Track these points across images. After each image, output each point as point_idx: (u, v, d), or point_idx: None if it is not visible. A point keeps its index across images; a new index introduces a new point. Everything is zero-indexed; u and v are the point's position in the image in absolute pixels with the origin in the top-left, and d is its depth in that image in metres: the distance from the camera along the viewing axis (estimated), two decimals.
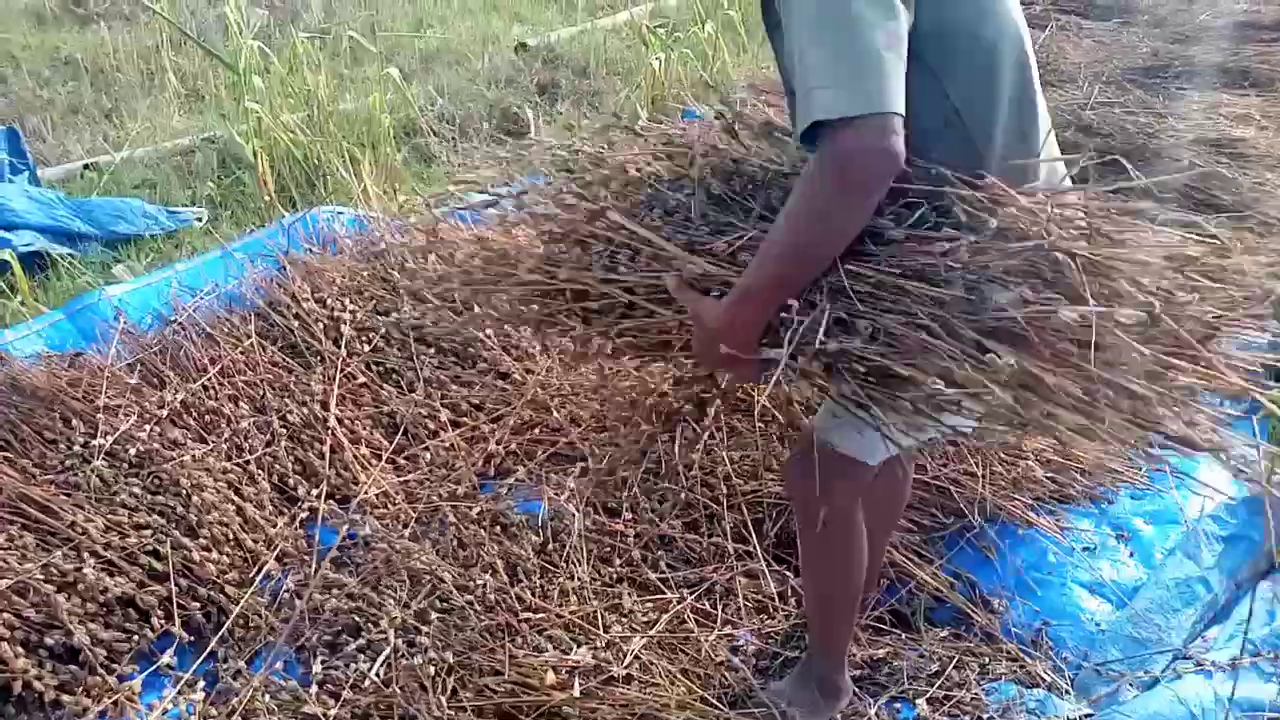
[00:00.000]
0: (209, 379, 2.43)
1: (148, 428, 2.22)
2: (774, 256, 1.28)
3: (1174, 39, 5.27)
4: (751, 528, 2.22)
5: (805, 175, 1.25)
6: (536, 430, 2.53)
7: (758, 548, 2.17)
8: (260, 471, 2.27)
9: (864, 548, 1.75)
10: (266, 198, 3.76)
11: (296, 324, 2.65)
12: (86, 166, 4.22)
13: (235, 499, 2.17)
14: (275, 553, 2.11)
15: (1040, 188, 1.38)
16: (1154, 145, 3.99)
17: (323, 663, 1.87)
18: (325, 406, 2.44)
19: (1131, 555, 2.21)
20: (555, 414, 2.54)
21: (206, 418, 2.35)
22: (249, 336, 2.60)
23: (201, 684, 1.85)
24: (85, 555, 1.94)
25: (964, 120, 1.35)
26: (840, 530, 1.68)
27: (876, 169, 1.19)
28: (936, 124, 1.33)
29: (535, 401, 2.56)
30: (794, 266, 1.29)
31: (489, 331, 2.72)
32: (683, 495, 2.27)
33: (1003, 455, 2.40)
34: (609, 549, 2.16)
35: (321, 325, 2.64)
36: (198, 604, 1.97)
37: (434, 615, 1.96)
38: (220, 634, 1.94)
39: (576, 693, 1.78)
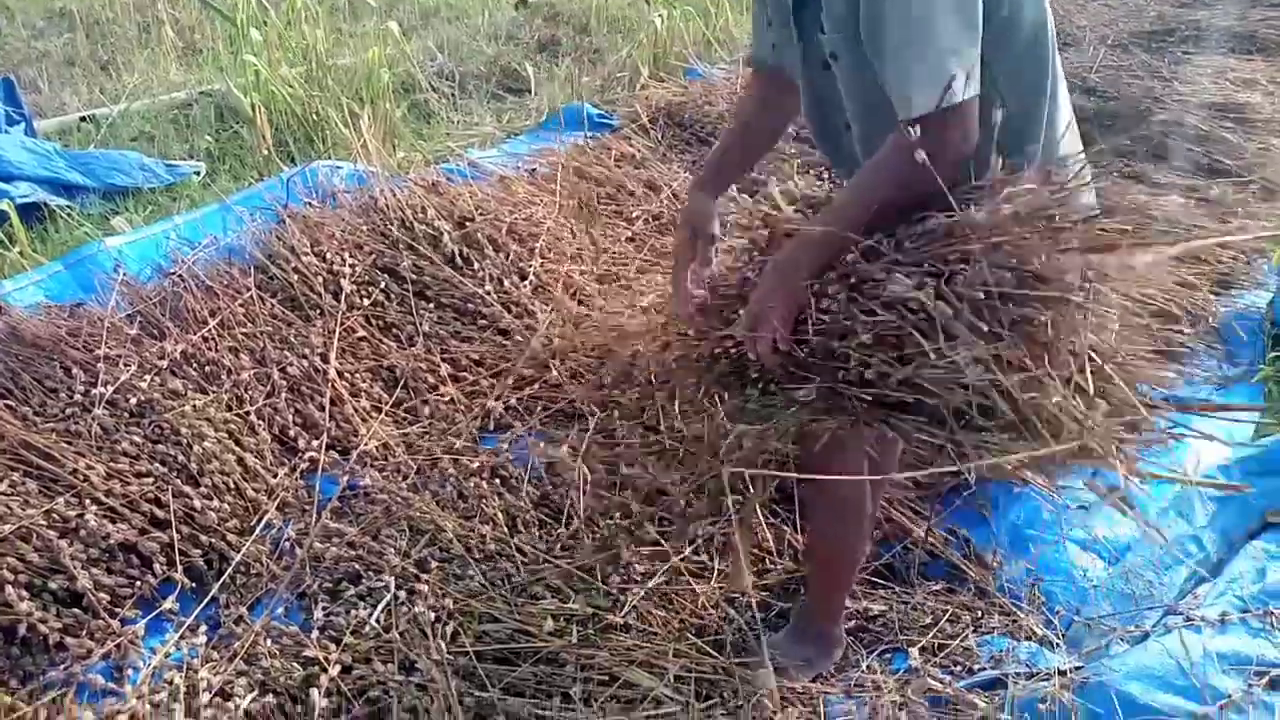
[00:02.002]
0: (209, 331, 2.43)
1: (148, 378, 2.23)
2: (851, 214, 1.43)
3: (1180, 3, 5.23)
4: (750, 482, 2.23)
5: (894, 148, 1.38)
6: (536, 386, 2.54)
7: (755, 502, 2.18)
8: (260, 422, 2.28)
9: (870, 509, 1.77)
10: (264, 152, 3.74)
11: (296, 277, 2.65)
12: (83, 119, 4.19)
13: (236, 449, 2.18)
14: (276, 502, 2.12)
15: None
16: (1158, 109, 3.97)
17: (324, 609, 1.89)
18: (325, 359, 2.44)
19: (1125, 513, 2.22)
20: (555, 371, 2.55)
21: (207, 369, 2.35)
22: (248, 289, 2.59)
23: (204, 629, 1.86)
24: (87, 502, 1.95)
25: (1007, 106, 1.41)
26: (852, 493, 1.71)
27: (957, 155, 1.37)
28: (985, 112, 1.40)
29: (535, 358, 2.57)
30: (865, 219, 1.42)
31: (489, 288, 2.72)
32: (681, 450, 2.28)
33: None
34: (606, 503, 2.17)
35: (321, 279, 2.64)
36: (199, 551, 1.98)
37: (434, 564, 1.98)
38: (222, 581, 1.96)
39: (574, 640, 1.80)
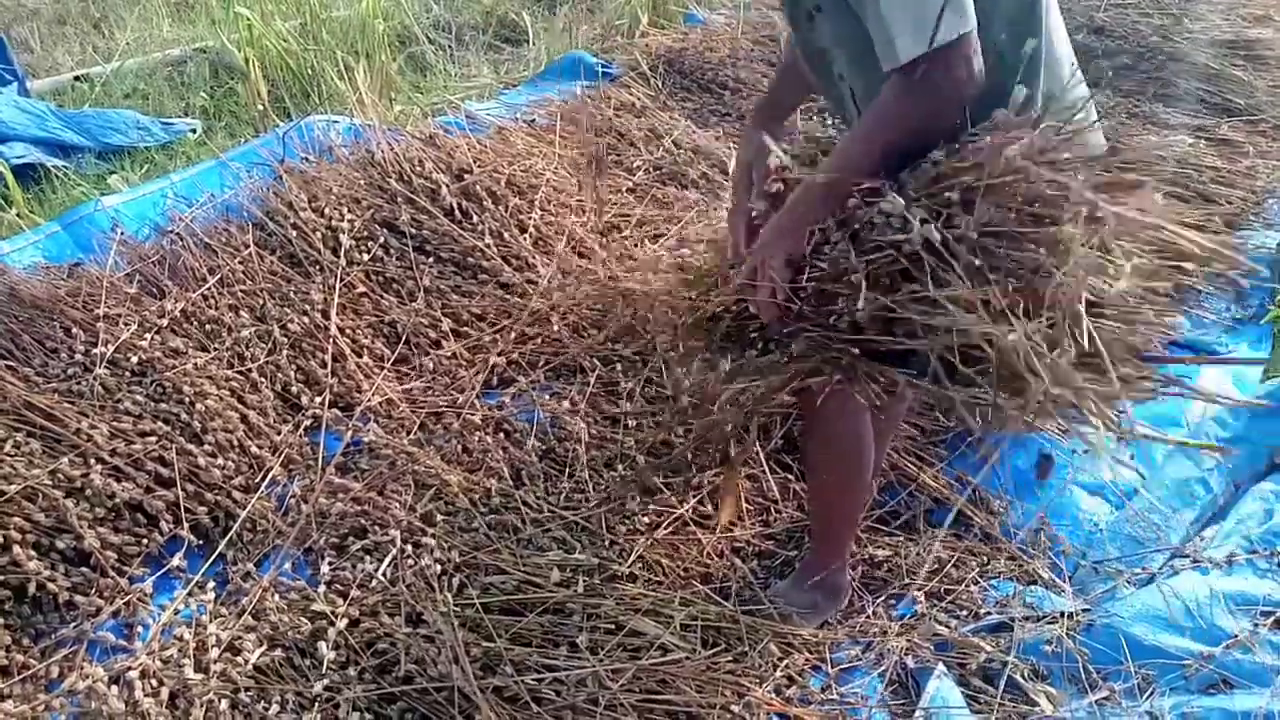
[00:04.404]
0: (208, 288, 2.41)
1: (148, 336, 2.22)
2: (855, 159, 1.40)
3: None
4: (755, 432, 2.22)
5: (895, 93, 1.35)
6: (539, 340, 2.52)
7: (760, 451, 2.18)
8: (263, 380, 2.27)
9: (871, 454, 1.76)
10: (260, 107, 3.69)
11: (294, 233, 2.62)
12: (77, 78, 4.13)
13: (239, 406, 2.17)
14: (280, 459, 2.12)
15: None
16: (1168, 48, 3.89)
17: (330, 564, 1.90)
18: (326, 316, 2.43)
19: (1132, 457, 2.22)
20: (556, 325, 2.53)
21: (207, 327, 2.34)
22: (247, 246, 2.57)
23: (211, 585, 1.88)
24: (92, 461, 1.96)
25: (1005, 60, 1.38)
26: (850, 438, 1.70)
27: (962, 93, 1.33)
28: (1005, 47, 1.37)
29: (537, 313, 2.55)
30: (869, 165, 1.40)
31: (489, 241, 2.70)
32: (684, 401, 2.27)
33: None
34: (612, 455, 2.17)
35: (319, 234, 2.61)
36: (205, 508, 1.99)
37: (439, 518, 1.99)
38: (228, 537, 1.96)
39: (580, 590, 1.80)
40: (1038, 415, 1.29)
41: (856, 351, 1.42)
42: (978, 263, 1.28)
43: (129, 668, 1.68)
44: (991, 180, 1.29)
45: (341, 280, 2.51)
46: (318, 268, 2.55)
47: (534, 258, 2.71)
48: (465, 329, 2.54)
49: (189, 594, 1.86)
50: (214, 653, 1.71)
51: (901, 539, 2.06)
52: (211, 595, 1.85)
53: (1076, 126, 1.36)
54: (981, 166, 1.31)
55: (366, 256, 2.61)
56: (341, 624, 1.75)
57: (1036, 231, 1.29)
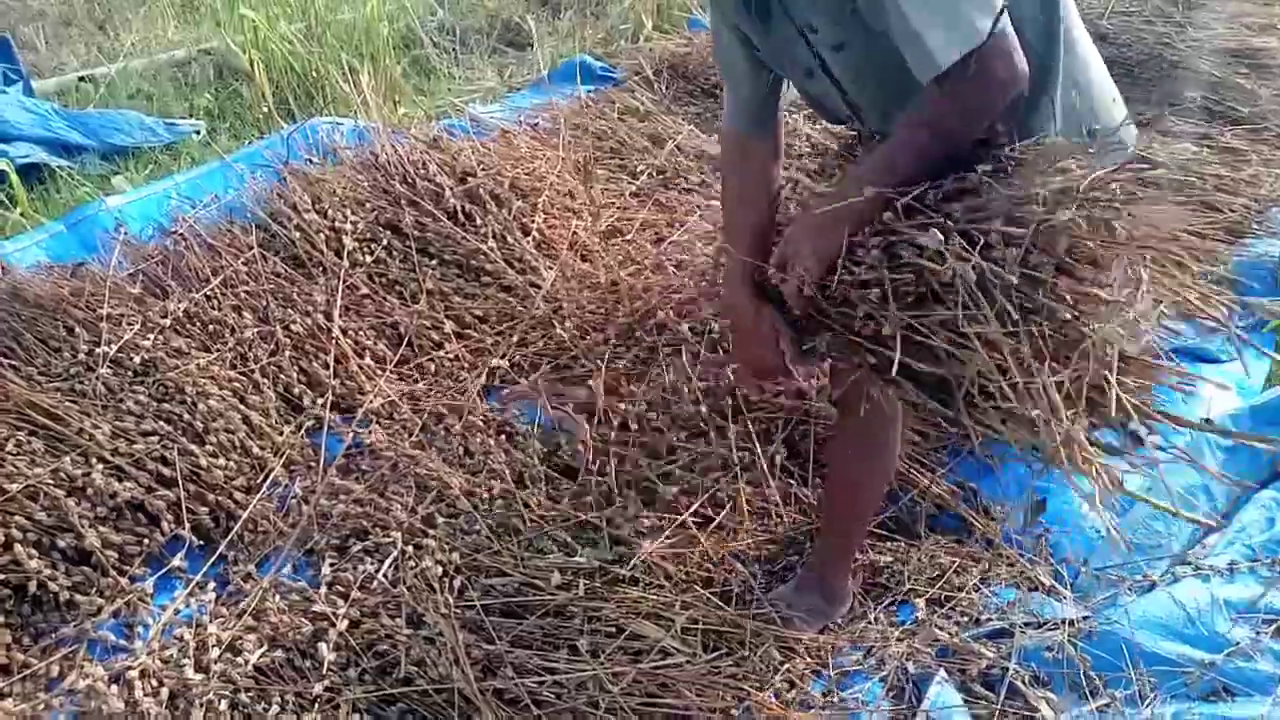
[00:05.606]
0: (211, 289, 2.42)
1: (151, 337, 2.22)
2: (900, 169, 1.36)
3: None
4: (756, 437, 2.22)
5: (936, 99, 1.32)
6: (541, 343, 2.52)
7: (760, 457, 2.18)
8: (265, 381, 2.27)
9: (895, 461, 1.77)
10: (264, 109, 3.71)
11: (298, 235, 2.63)
12: (81, 78, 4.14)
13: (241, 407, 2.17)
14: (282, 460, 2.12)
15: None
16: (1172, 55, 3.89)
17: (331, 565, 1.90)
18: (329, 317, 2.43)
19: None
20: (559, 328, 2.53)
21: (210, 327, 2.34)
22: (250, 247, 2.57)
23: (212, 585, 1.88)
24: (93, 461, 1.96)
25: (1032, 54, 1.36)
26: (890, 446, 1.71)
27: (1005, 90, 1.31)
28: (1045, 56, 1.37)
29: (539, 315, 2.55)
30: (913, 174, 1.36)
31: (492, 244, 2.70)
32: (688, 407, 2.27)
33: None
34: (615, 458, 2.16)
35: (323, 236, 2.62)
36: (206, 509, 1.99)
37: (440, 519, 1.98)
38: (229, 538, 1.96)
39: (581, 593, 1.80)
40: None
41: (874, 360, 1.40)
42: (1010, 307, 1.25)
43: (129, 667, 1.68)
44: (1044, 218, 1.26)
45: (344, 282, 2.51)
46: (321, 269, 2.56)
47: (537, 261, 2.71)
48: (468, 331, 2.54)
49: (189, 594, 1.86)
50: (214, 653, 1.70)
51: (903, 545, 2.06)
52: (212, 595, 1.85)
53: (1118, 148, 1.35)
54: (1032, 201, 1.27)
55: (369, 258, 2.61)
56: (342, 625, 1.75)
57: (1079, 288, 1.26)
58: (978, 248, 1.28)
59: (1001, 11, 1.27)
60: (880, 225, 1.38)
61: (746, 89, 1.65)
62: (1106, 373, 1.23)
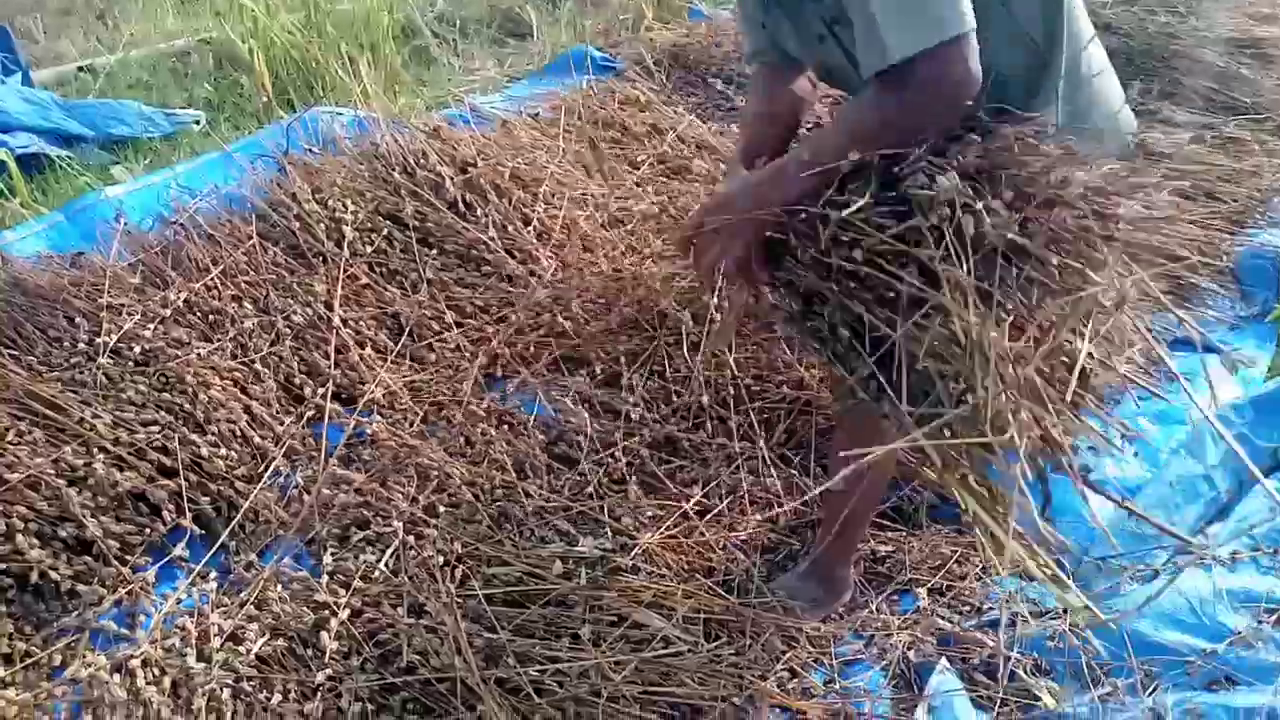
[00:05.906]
0: (211, 279, 2.41)
1: (151, 326, 2.22)
2: (830, 150, 1.31)
3: None
4: (758, 428, 2.22)
5: (882, 94, 1.28)
6: (541, 332, 2.52)
7: (762, 447, 2.18)
8: (266, 370, 2.27)
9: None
10: (264, 99, 3.69)
11: (298, 225, 2.62)
12: (81, 69, 4.13)
13: (242, 397, 2.17)
14: (283, 449, 2.12)
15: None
16: (1174, 45, 3.88)
17: (333, 554, 1.90)
18: (329, 307, 2.43)
19: (1136, 454, 2.21)
20: (559, 317, 2.53)
21: (210, 317, 2.34)
22: (250, 237, 2.57)
23: (214, 575, 1.88)
24: (94, 450, 1.95)
25: (1031, 36, 1.35)
26: (887, 433, 1.70)
27: (957, 96, 1.25)
28: (1001, 41, 1.32)
29: (539, 304, 2.55)
30: (841, 156, 1.31)
31: (492, 234, 2.69)
32: (689, 397, 2.27)
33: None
34: (615, 448, 2.16)
35: (323, 226, 2.61)
36: (208, 498, 1.99)
37: (442, 509, 1.98)
38: (231, 528, 1.96)
39: (583, 582, 1.80)
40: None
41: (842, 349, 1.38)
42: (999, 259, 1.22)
43: (131, 656, 1.67)
44: (1050, 193, 1.23)
45: (345, 272, 2.51)
46: (321, 259, 2.55)
47: (537, 250, 2.70)
48: (469, 321, 2.54)
49: (191, 584, 1.86)
50: (216, 642, 1.70)
51: (904, 534, 2.06)
52: (214, 585, 1.85)
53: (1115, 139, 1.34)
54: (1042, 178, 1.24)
55: (370, 248, 2.60)
56: (344, 614, 1.75)
57: (1066, 264, 1.23)
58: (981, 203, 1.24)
59: (966, 17, 1.22)
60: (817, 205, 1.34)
61: (765, 39, 1.65)
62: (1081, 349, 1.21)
